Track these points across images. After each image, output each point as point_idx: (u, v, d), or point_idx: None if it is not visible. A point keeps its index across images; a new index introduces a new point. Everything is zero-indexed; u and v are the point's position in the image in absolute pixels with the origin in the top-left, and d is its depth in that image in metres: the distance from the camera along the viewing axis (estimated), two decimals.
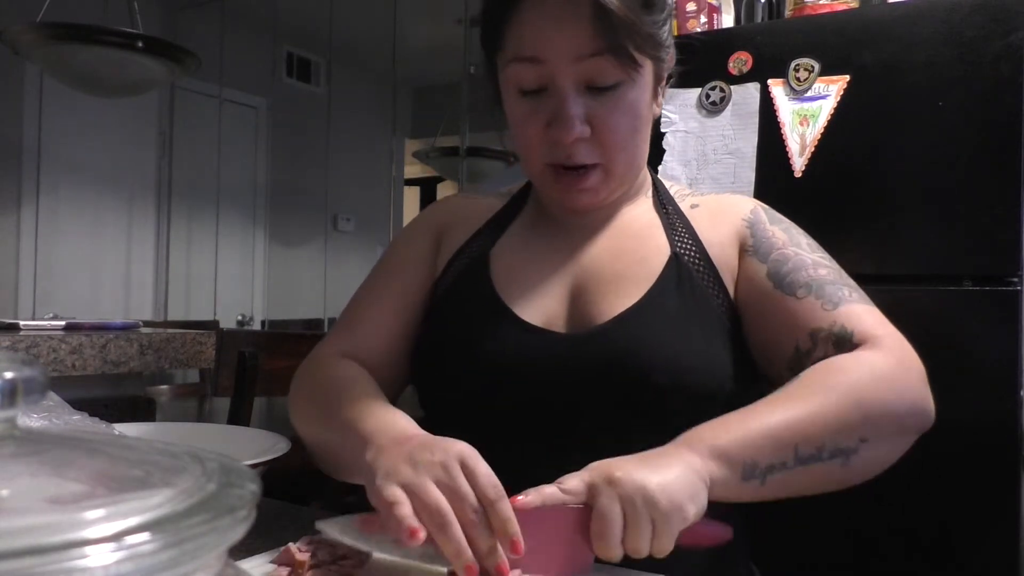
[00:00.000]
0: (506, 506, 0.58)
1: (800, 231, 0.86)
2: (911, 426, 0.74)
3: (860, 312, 0.78)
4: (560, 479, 0.63)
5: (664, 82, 0.87)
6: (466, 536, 0.57)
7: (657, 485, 0.60)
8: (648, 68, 0.81)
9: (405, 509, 0.57)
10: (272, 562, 0.61)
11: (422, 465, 0.60)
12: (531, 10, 0.77)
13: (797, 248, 0.83)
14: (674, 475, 0.61)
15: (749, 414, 0.70)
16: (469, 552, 0.56)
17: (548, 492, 0.61)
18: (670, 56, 0.86)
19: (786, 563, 1.42)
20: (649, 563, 0.66)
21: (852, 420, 0.69)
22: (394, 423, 0.70)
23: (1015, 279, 1.32)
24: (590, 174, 0.81)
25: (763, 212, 0.88)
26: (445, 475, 0.59)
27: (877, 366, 0.73)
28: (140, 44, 2.27)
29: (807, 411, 0.69)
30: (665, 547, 0.60)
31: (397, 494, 0.58)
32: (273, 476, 0.79)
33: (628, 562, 0.65)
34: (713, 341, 0.80)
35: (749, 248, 0.84)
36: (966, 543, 1.33)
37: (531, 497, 0.60)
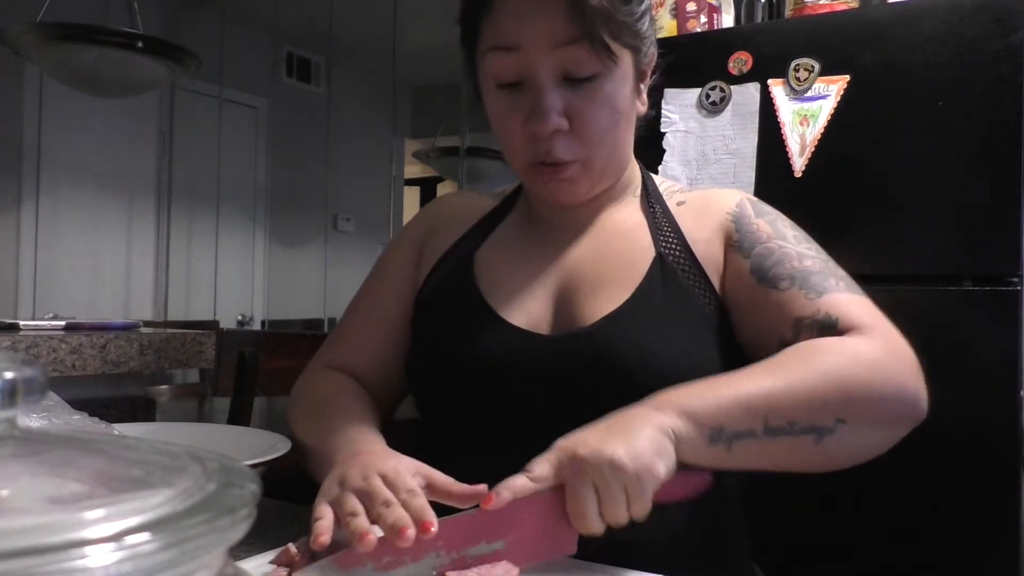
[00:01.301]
0: (419, 501, 0.61)
1: (788, 222, 0.85)
2: (899, 414, 0.71)
3: (846, 300, 0.76)
4: (528, 465, 0.63)
5: (647, 79, 0.86)
6: (386, 525, 0.59)
7: (624, 452, 0.60)
8: (627, 61, 0.80)
9: (321, 523, 0.61)
10: (272, 562, 0.61)
11: (348, 482, 0.64)
12: (507, 1, 0.78)
13: (782, 240, 0.81)
14: (640, 437, 0.62)
15: (720, 381, 0.70)
16: (365, 528, 0.59)
17: (519, 485, 0.62)
18: (651, 53, 0.85)
19: (786, 562, 1.42)
20: (651, 563, 0.66)
21: (828, 398, 0.68)
22: (353, 441, 0.74)
23: (1015, 279, 1.32)
24: (569, 167, 0.81)
25: (749, 205, 0.86)
26: (364, 485, 0.63)
27: (861, 350, 0.71)
28: (140, 44, 2.27)
29: (781, 383, 0.68)
30: (642, 510, 0.61)
31: (321, 510, 0.63)
32: (273, 476, 0.79)
33: (627, 561, 0.65)
34: (702, 342, 0.79)
35: (734, 243, 0.83)
36: (966, 543, 1.33)
37: (503, 495, 0.61)
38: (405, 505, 0.60)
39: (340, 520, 0.61)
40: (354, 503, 0.61)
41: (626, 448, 0.60)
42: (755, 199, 0.88)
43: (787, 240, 0.81)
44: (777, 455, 0.69)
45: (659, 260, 0.82)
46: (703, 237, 0.84)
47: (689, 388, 0.68)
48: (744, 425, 0.66)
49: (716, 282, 0.82)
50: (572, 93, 0.78)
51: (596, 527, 0.60)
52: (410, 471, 0.65)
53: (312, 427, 0.81)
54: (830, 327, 0.74)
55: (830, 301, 0.75)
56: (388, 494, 0.61)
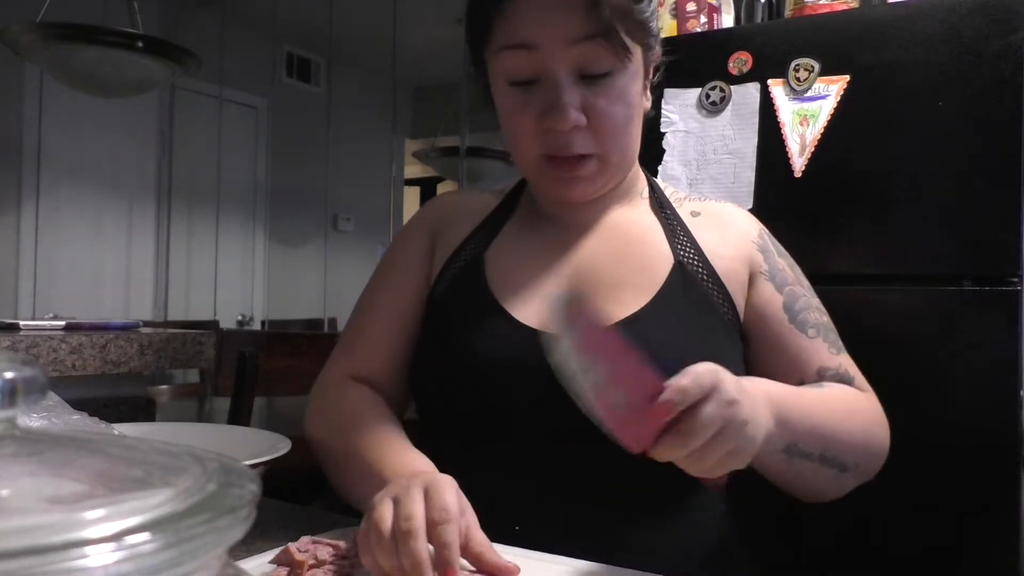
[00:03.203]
0: (448, 531, 0.57)
1: (799, 269, 0.91)
2: (875, 469, 0.82)
3: (852, 363, 0.86)
4: (689, 372, 0.59)
5: (651, 76, 0.87)
6: (399, 550, 0.56)
7: (753, 427, 0.62)
8: (638, 57, 0.81)
9: (367, 559, 0.58)
10: (272, 562, 0.61)
11: (393, 490, 0.61)
12: (522, 1, 0.77)
13: (802, 288, 0.87)
14: (763, 424, 0.64)
15: (800, 396, 0.75)
16: (381, 568, 0.56)
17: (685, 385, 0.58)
18: (657, 51, 0.86)
19: (786, 562, 1.42)
20: (652, 564, 0.66)
21: (859, 444, 0.78)
22: (409, 463, 0.72)
23: (1015, 279, 1.32)
24: (586, 163, 0.81)
25: (769, 240, 0.90)
26: (404, 493, 0.59)
27: (876, 410, 0.82)
28: (140, 44, 2.27)
29: (841, 422, 0.77)
30: (715, 473, 0.61)
31: (364, 532, 0.60)
32: (273, 476, 0.79)
33: (629, 562, 0.65)
34: (722, 348, 0.80)
35: (764, 273, 0.86)
36: (966, 543, 1.33)
37: (674, 397, 0.57)
38: (434, 533, 0.57)
39: (372, 527, 0.58)
40: (385, 514, 0.59)
41: (755, 425, 0.62)
42: (766, 231, 0.92)
43: (805, 288, 0.88)
44: (809, 478, 0.76)
45: (679, 268, 0.82)
46: (727, 255, 0.85)
47: (784, 393, 0.72)
48: (810, 448, 0.73)
49: (738, 300, 0.84)
50: (588, 89, 0.79)
51: (680, 454, 0.58)
52: (456, 489, 0.62)
53: (347, 444, 0.78)
54: (848, 382, 0.83)
55: (846, 360, 0.85)
56: (417, 510, 0.58)
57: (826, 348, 0.84)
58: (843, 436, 0.76)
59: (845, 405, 0.79)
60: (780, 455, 0.70)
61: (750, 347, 0.84)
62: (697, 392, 0.57)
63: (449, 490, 0.60)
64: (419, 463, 0.72)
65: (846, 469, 0.77)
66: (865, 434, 0.78)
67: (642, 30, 0.80)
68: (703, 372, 0.59)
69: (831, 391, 0.80)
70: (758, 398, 0.65)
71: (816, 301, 0.88)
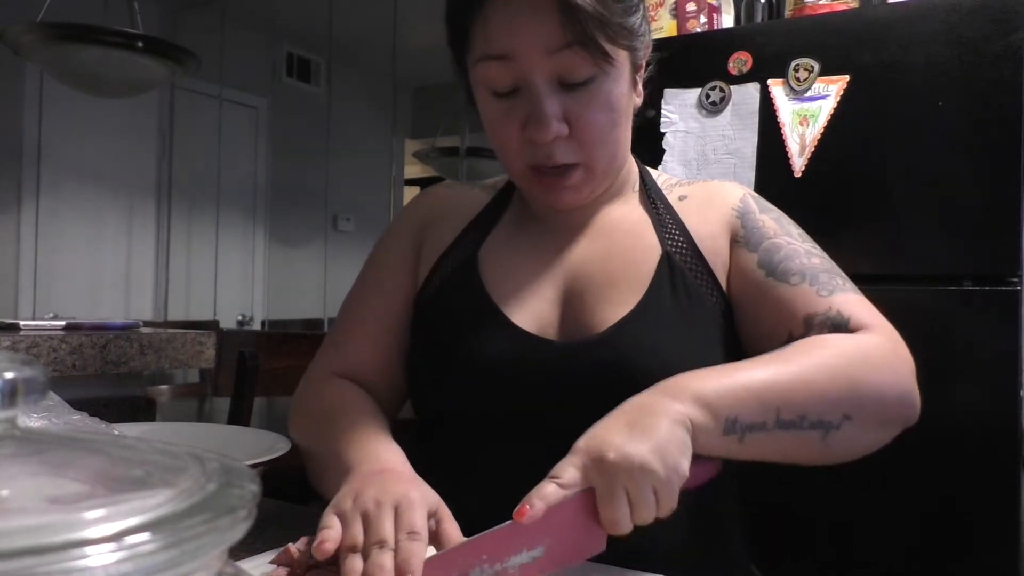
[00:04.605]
0: (413, 547, 0.57)
1: (790, 221, 0.85)
2: (897, 416, 0.73)
3: (855, 301, 0.77)
4: (553, 471, 0.61)
5: (642, 71, 0.85)
6: (367, 566, 0.57)
7: (652, 453, 0.59)
8: (623, 59, 0.79)
9: (328, 532, 0.60)
10: (272, 562, 0.61)
11: (360, 500, 0.62)
12: (497, 7, 0.75)
13: (788, 237, 0.81)
14: (664, 434, 0.60)
15: (734, 368, 0.69)
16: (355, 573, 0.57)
17: (549, 492, 0.59)
18: (646, 45, 0.83)
19: (785, 563, 1.42)
20: (652, 564, 0.66)
21: (839, 395, 0.68)
22: (376, 455, 0.71)
23: (1015, 279, 1.32)
24: (572, 173, 0.79)
25: (753, 201, 0.86)
26: (375, 511, 0.60)
27: (872, 349, 0.72)
28: (140, 44, 2.27)
29: (793, 376, 0.68)
30: (670, 508, 0.60)
31: (330, 520, 0.61)
32: (273, 476, 0.79)
33: (629, 562, 0.65)
34: (710, 343, 0.79)
35: (740, 239, 0.82)
36: (966, 543, 1.33)
37: (537, 506, 0.58)
38: (398, 548, 0.57)
39: (340, 543, 0.59)
40: (356, 533, 0.59)
41: (652, 448, 0.59)
42: (757, 195, 0.88)
43: (793, 237, 0.82)
44: (783, 448, 0.69)
45: (666, 259, 0.81)
46: (708, 233, 0.83)
47: (702, 375, 0.67)
48: (758, 417, 0.66)
49: (723, 280, 0.82)
50: (569, 97, 0.77)
51: (627, 529, 0.60)
52: (426, 506, 0.62)
53: (324, 438, 0.78)
54: (841, 325, 0.74)
55: (841, 300, 0.76)
56: (387, 533, 0.59)
57: (814, 292, 0.76)
58: (802, 391, 0.67)
59: (808, 359, 0.69)
60: (730, 439, 0.65)
61: (737, 318, 0.81)
62: (550, 492, 0.59)
63: (419, 510, 0.61)
64: (386, 454, 0.71)
65: (831, 426, 0.68)
66: (847, 381, 0.69)
67: (622, 34, 0.77)
68: (562, 469, 0.60)
69: (787, 349, 0.72)
70: (659, 410, 0.62)
71: (807, 246, 0.81)
